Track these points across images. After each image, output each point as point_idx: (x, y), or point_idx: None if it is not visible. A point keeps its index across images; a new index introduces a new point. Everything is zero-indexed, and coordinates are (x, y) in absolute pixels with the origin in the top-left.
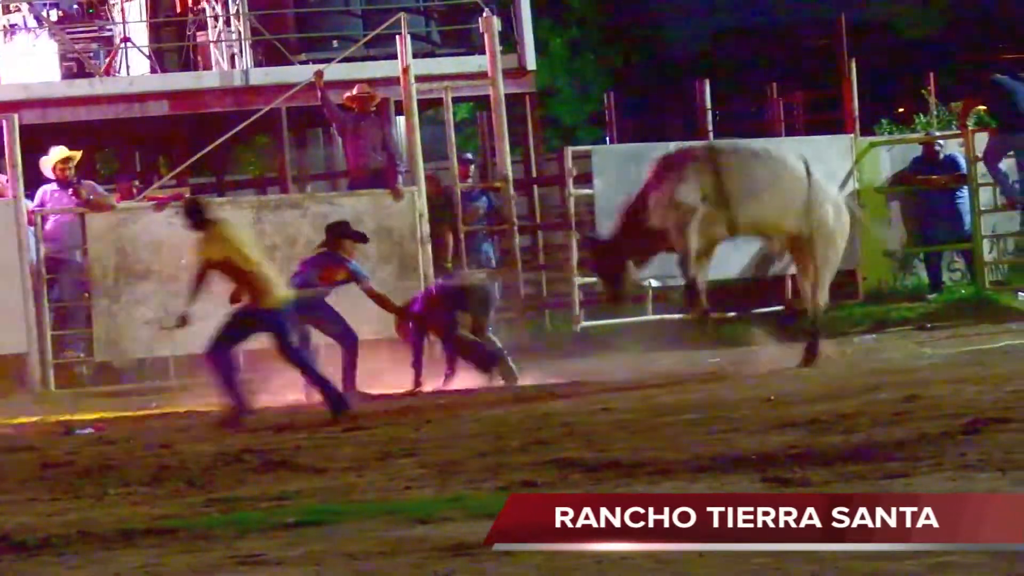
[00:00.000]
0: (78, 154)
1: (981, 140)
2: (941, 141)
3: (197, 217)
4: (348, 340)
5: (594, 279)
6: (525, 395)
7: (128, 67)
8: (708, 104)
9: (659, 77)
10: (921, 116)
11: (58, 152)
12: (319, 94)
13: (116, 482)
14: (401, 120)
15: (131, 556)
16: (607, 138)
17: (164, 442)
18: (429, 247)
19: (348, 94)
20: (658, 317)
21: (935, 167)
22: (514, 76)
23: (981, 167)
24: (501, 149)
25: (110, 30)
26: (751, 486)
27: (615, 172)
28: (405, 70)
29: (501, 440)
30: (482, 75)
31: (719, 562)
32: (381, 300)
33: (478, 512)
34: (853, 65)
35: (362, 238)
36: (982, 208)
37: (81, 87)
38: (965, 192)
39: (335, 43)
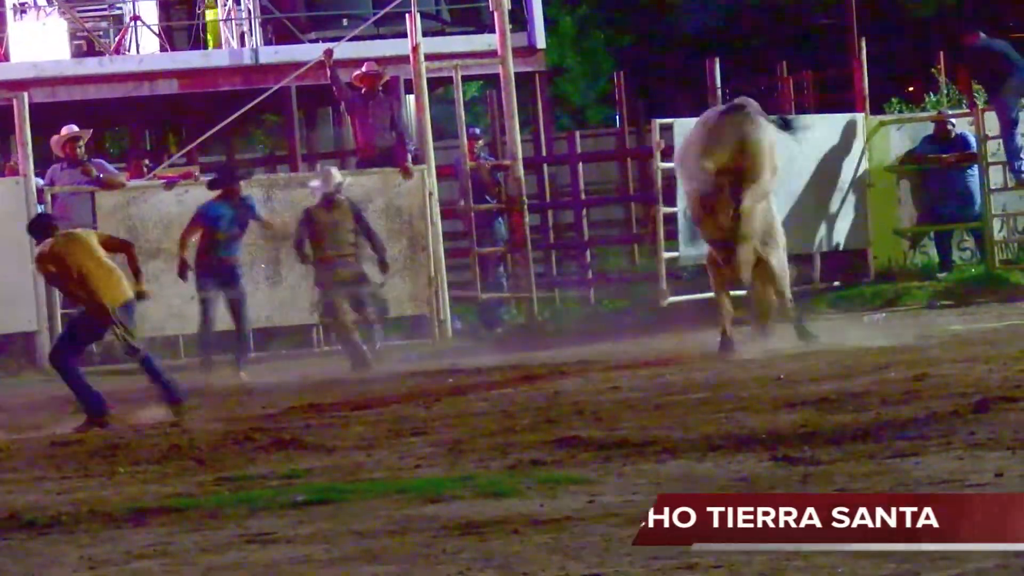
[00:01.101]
0: (88, 133)
1: (991, 119)
2: (952, 120)
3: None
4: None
5: (676, 254)
6: (534, 374)
7: (138, 46)
8: (718, 83)
9: (669, 56)
10: (931, 95)
11: (68, 131)
12: (328, 73)
13: (126, 461)
14: (411, 99)
15: (141, 534)
16: (617, 117)
17: (174, 421)
18: (439, 225)
19: (356, 72)
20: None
21: (946, 146)
22: (524, 55)
23: (991, 146)
24: (511, 128)
25: (120, 8)
26: (760, 465)
27: None
28: (415, 49)
29: (510, 419)
30: (492, 54)
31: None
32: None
33: (487, 491)
34: (863, 44)
35: (247, 175)
36: (992, 187)
37: (91, 66)
38: (976, 171)
39: (345, 21)
